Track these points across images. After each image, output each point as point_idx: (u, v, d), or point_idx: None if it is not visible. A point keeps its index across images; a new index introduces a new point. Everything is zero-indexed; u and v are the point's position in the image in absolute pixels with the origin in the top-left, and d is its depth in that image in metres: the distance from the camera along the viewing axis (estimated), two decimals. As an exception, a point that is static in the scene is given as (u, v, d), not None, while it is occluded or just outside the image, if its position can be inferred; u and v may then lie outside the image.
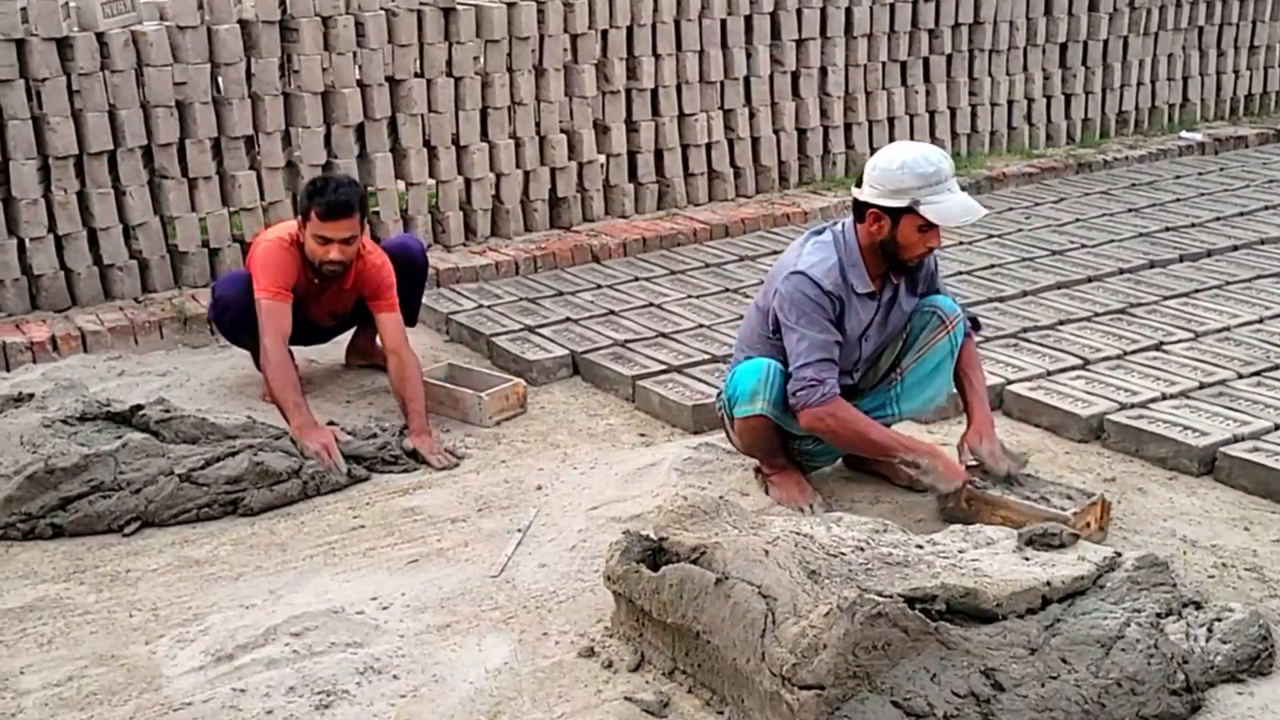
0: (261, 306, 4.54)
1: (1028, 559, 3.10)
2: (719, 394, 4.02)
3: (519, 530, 3.80)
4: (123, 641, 3.27)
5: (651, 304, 5.68)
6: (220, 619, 3.33)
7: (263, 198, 6.07)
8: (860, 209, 3.72)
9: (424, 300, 5.73)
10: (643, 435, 4.51)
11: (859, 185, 3.71)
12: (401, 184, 6.48)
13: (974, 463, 3.76)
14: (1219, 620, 3.02)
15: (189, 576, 3.61)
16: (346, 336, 5.25)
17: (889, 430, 3.80)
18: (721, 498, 3.30)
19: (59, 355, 5.29)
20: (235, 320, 4.76)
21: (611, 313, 5.57)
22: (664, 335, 5.25)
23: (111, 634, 3.31)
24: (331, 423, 4.49)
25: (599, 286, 5.98)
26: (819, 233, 3.83)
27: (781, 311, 3.71)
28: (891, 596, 2.75)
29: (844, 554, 3.05)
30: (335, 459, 4.20)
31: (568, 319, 5.49)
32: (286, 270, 4.58)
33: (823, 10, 7.45)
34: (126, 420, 4.21)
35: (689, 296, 5.79)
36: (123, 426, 4.18)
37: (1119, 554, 3.12)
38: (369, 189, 6.37)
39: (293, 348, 4.71)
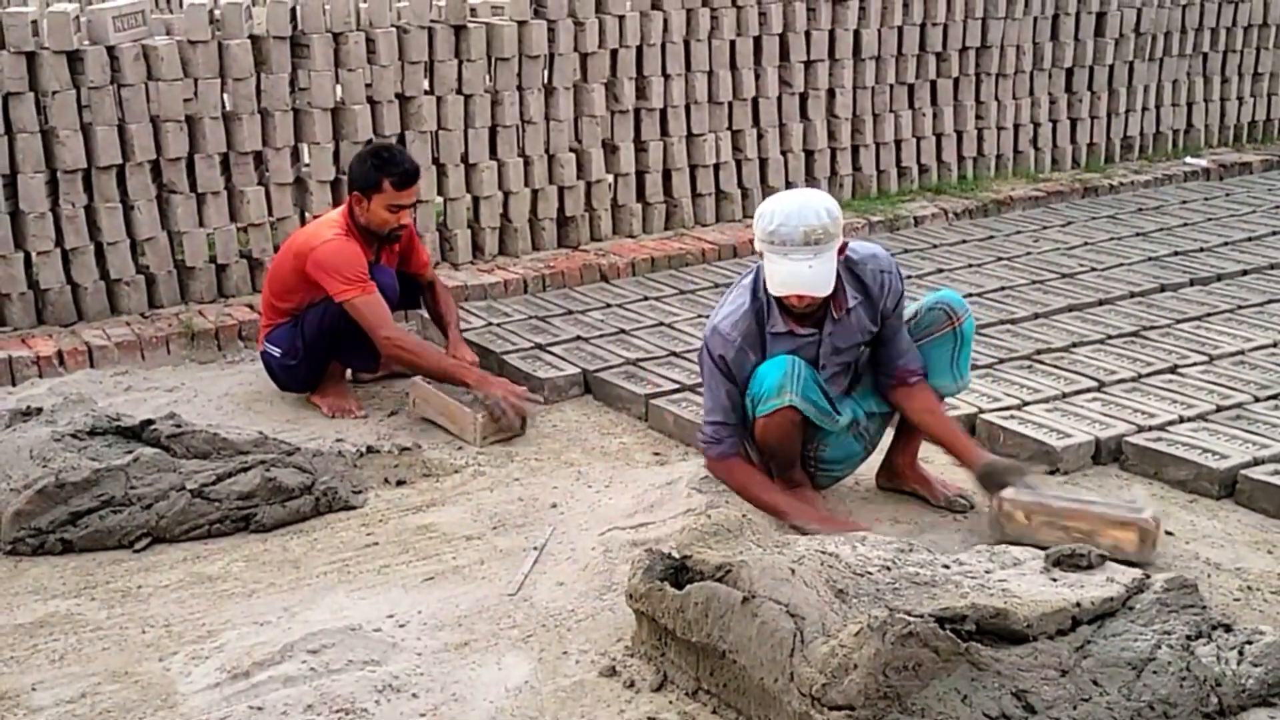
0: (357, 305, 4.65)
1: (1055, 580, 3.07)
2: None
3: (535, 548, 3.75)
4: (136, 658, 3.22)
5: (662, 323, 5.64)
6: (235, 636, 3.28)
7: (271, 214, 6.04)
8: None
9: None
10: (657, 454, 4.47)
11: None
12: (410, 201, 6.44)
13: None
14: (1249, 643, 2.98)
15: (201, 593, 3.56)
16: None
17: (780, 496, 3.81)
18: (745, 516, 3.26)
19: (65, 370, 5.24)
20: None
21: (622, 332, 5.53)
22: (675, 354, 5.21)
23: (124, 650, 3.26)
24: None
25: (608, 305, 5.94)
26: (748, 275, 3.82)
27: (699, 361, 3.85)
28: (922, 616, 2.71)
29: (870, 573, 3.01)
30: (521, 406, 4.58)
31: (578, 337, 5.45)
32: (361, 260, 4.71)
33: (831, 33, 7.45)
34: (137, 435, 4.16)
35: (699, 316, 5.74)
36: (133, 441, 4.13)
37: (1147, 575, 3.09)
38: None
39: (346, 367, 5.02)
